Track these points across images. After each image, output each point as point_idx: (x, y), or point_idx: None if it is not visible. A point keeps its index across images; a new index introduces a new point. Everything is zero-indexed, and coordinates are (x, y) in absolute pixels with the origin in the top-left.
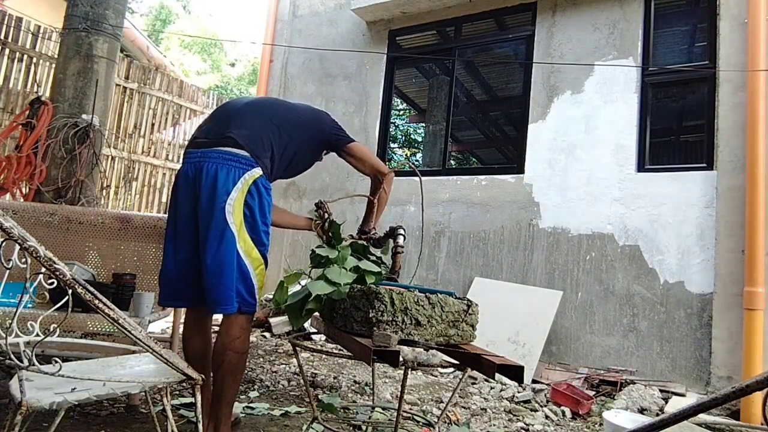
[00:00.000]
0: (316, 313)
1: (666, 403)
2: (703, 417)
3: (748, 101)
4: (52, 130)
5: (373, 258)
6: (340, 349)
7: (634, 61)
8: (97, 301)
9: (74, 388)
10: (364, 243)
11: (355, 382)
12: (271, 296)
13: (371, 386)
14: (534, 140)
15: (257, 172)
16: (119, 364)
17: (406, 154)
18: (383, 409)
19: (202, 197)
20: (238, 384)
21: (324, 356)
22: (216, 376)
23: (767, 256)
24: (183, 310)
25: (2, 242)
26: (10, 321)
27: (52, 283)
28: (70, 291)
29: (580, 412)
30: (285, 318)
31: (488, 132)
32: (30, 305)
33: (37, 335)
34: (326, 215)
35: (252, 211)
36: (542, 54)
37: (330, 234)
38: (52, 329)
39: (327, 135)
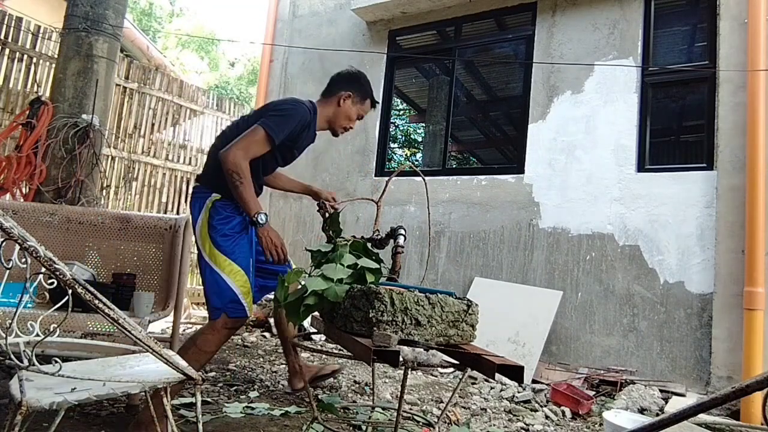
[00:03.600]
0: (316, 313)
1: (666, 403)
2: (703, 417)
3: (748, 101)
4: (52, 130)
5: (374, 257)
6: (340, 349)
7: (634, 61)
8: (97, 301)
9: (74, 388)
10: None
11: (355, 382)
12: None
13: (371, 386)
14: (534, 140)
15: (214, 197)
16: (119, 364)
17: (406, 155)
18: (383, 409)
19: None
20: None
21: (324, 356)
22: None
23: (767, 256)
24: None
25: (2, 242)
26: (10, 321)
27: (52, 283)
28: (70, 291)
29: (580, 412)
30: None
31: (488, 132)
32: (30, 305)
33: (37, 335)
34: (327, 214)
35: (213, 229)
36: (542, 54)
37: (330, 227)
38: (52, 329)
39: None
